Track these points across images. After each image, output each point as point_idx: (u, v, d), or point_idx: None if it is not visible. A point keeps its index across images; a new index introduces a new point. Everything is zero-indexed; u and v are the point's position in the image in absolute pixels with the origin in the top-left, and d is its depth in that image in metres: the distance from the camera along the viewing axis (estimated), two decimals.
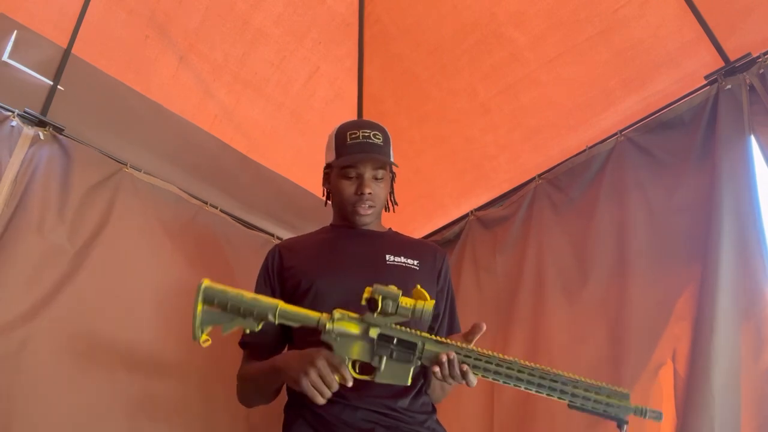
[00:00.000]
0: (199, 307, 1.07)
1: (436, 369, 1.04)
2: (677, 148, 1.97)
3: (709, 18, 1.91)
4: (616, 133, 2.17)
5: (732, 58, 1.91)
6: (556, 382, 0.96)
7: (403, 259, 1.36)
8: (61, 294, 1.92)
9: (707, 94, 1.94)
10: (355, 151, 1.34)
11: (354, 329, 1.07)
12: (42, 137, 2.06)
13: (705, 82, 1.97)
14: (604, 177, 2.13)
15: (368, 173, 1.36)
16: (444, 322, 1.41)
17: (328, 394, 1.06)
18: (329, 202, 1.53)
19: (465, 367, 1.03)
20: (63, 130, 2.12)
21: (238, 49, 2.41)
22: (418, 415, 1.24)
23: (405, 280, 1.31)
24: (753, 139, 1.80)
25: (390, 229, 1.53)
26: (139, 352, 2.06)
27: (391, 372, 1.06)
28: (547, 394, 0.96)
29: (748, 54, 1.87)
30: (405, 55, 2.52)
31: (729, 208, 1.71)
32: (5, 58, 2.06)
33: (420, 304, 1.03)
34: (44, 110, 2.12)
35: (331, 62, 2.57)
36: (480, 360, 1.04)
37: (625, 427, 0.89)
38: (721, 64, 1.93)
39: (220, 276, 2.40)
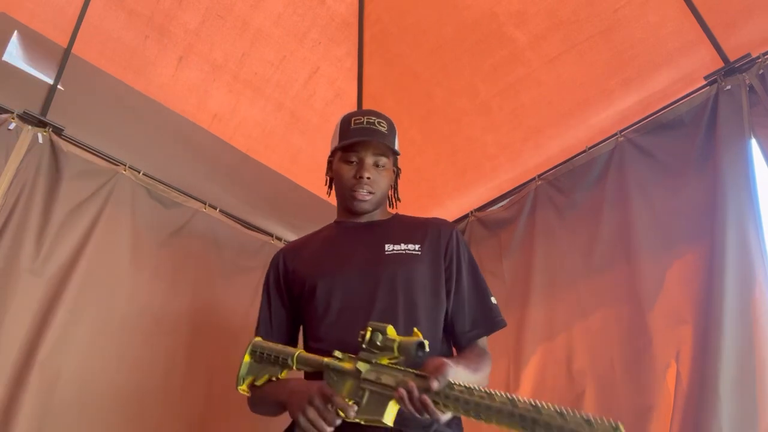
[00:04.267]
0: (245, 358, 1.22)
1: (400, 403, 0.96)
2: (678, 150, 1.97)
3: (709, 18, 1.91)
4: (616, 134, 2.17)
5: (732, 58, 1.91)
6: (537, 419, 0.80)
7: (403, 246, 1.32)
8: (41, 324, 1.90)
9: (707, 95, 1.94)
10: (358, 135, 1.33)
11: (348, 366, 1.06)
12: (41, 140, 2.06)
13: (705, 82, 1.97)
14: (607, 181, 2.13)
15: (369, 158, 1.34)
16: (461, 297, 1.30)
17: (323, 425, 1.02)
18: (332, 192, 1.49)
19: (424, 398, 0.92)
20: (63, 130, 2.12)
21: (238, 49, 2.41)
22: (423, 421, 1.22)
23: (405, 268, 1.28)
24: (753, 140, 1.80)
25: (396, 214, 1.48)
26: (127, 383, 2.04)
27: (369, 407, 1.00)
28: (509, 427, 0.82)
29: (748, 54, 1.87)
30: (405, 55, 2.52)
31: (732, 211, 1.72)
32: (5, 58, 2.06)
33: (405, 340, 0.99)
34: (44, 110, 2.12)
35: (331, 62, 2.57)
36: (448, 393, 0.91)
37: None
38: (721, 64, 1.93)
39: (220, 277, 2.44)
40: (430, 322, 1.26)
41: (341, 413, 1.02)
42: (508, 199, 2.53)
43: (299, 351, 1.18)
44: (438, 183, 2.71)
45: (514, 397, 0.85)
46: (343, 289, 1.27)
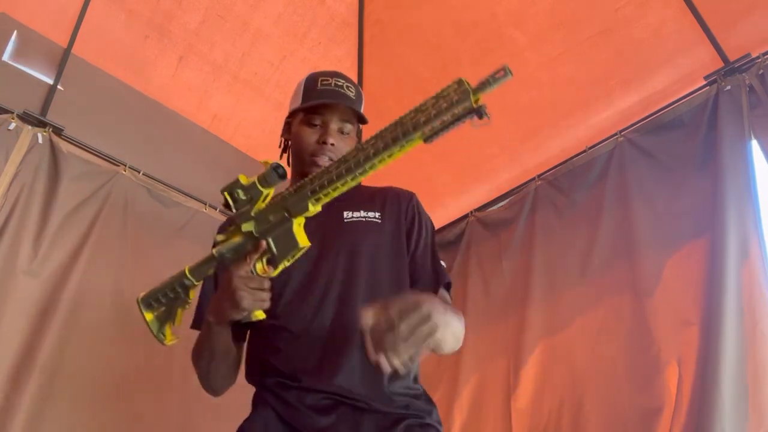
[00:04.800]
0: (147, 317, 1.13)
1: None
2: (678, 151, 1.98)
3: (709, 18, 1.91)
4: (615, 134, 2.17)
5: (732, 58, 1.91)
6: (406, 131, 0.82)
7: (362, 213, 1.22)
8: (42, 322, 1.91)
9: (707, 95, 1.94)
10: (325, 97, 1.23)
11: (237, 237, 1.02)
12: (41, 140, 2.05)
13: (705, 82, 1.97)
14: (607, 181, 2.13)
15: (334, 123, 1.23)
16: (419, 256, 1.22)
17: (262, 295, 0.97)
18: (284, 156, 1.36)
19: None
20: (63, 130, 2.12)
21: (238, 49, 2.41)
22: (398, 398, 1.10)
23: (364, 237, 1.20)
24: (754, 141, 1.80)
25: None
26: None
27: (281, 248, 0.97)
28: (400, 149, 0.83)
29: (748, 54, 1.87)
30: (405, 55, 2.52)
31: (732, 211, 1.72)
32: (5, 58, 2.06)
33: (261, 174, 0.96)
34: (44, 110, 2.12)
35: (331, 62, 2.57)
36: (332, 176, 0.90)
37: (484, 113, 0.77)
38: (721, 64, 1.93)
39: None
40: (393, 288, 1.16)
41: (266, 273, 0.98)
42: (508, 199, 2.53)
43: (188, 266, 1.10)
44: (438, 183, 2.71)
45: (377, 133, 0.85)
46: (302, 261, 1.12)
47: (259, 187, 0.98)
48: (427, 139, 0.83)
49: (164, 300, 1.11)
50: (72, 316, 1.96)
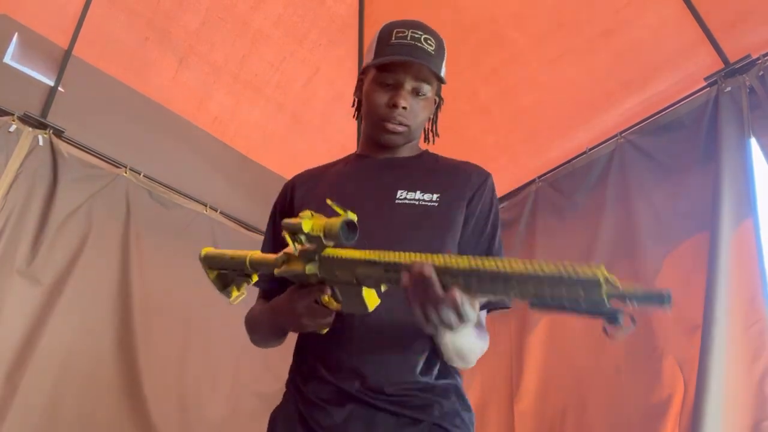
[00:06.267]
0: (210, 275, 1.10)
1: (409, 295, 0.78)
2: (679, 152, 1.98)
3: (709, 19, 1.91)
4: (616, 135, 2.17)
5: (732, 59, 1.91)
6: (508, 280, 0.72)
7: (418, 195, 1.10)
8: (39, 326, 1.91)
9: (707, 96, 1.94)
10: (398, 53, 1.09)
11: (299, 267, 0.94)
12: (41, 142, 2.05)
13: (705, 83, 1.97)
14: (608, 182, 2.14)
15: (408, 84, 1.10)
16: (468, 250, 1.08)
17: (326, 321, 0.95)
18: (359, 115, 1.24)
19: (455, 293, 0.75)
20: (63, 132, 2.12)
21: (239, 50, 2.41)
22: (421, 395, 1.02)
23: (414, 223, 1.07)
24: (754, 141, 1.79)
25: (425, 151, 1.24)
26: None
27: (348, 302, 0.92)
28: (503, 293, 0.74)
29: (748, 55, 1.87)
30: None
31: (732, 213, 1.72)
32: (6, 59, 2.06)
33: (329, 225, 0.85)
34: (44, 112, 2.12)
35: (331, 63, 2.57)
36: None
37: (621, 317, 0.65)
38: (721, 65, 1.93)
39: None
40: None
41: (331, 304, 0.94)
42: (508, 201, 2.53)
43: (249, 255, 1.05)
44: None
45: (475, 266, 0.75)
46: None
47: (324, 242, 0.87)
48: (532, 306, 0.72)
49: (228, 269, 1.09)
50: (70, 318, 1.96)
